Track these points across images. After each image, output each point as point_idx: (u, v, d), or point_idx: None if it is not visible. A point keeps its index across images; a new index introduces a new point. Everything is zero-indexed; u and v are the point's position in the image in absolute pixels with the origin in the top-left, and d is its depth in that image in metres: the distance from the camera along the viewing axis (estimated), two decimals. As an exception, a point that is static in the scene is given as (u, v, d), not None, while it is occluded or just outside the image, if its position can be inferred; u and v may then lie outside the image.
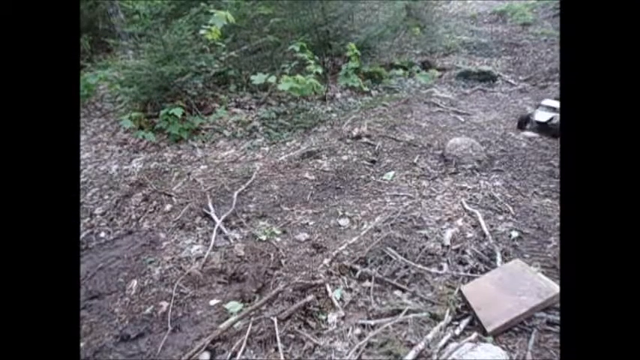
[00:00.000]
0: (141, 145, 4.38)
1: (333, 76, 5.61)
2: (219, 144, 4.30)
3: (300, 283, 2.22)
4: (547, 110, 3.85)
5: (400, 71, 5.82)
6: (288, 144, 4.14)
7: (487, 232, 2.49)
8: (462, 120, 4.33)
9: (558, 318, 1.80)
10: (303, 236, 2.72)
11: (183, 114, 4.41)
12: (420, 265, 2.27)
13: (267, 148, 4.10)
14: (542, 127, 3.79)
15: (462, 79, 5.65)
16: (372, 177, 3.36)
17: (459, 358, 1.65)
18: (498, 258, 2.26)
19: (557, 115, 3.70)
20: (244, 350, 1.89)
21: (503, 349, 1.70)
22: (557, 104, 3.84)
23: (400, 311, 1.96)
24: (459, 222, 2.62)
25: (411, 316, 1.92)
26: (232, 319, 2.06)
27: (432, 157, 3.59)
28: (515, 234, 2.47)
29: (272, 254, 2.54)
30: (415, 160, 3.53)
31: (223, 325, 2.03)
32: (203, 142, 4.35)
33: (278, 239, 2.71)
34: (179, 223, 2.97)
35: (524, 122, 3.96)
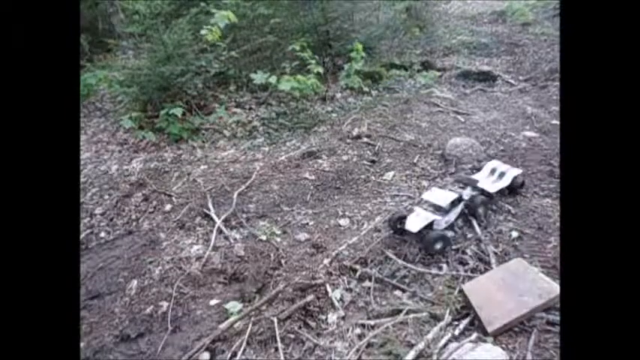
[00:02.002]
0: (141, 145, 4.38)
1: (333, 76, 5.61)
2: (219, 144, 4.30)
3: (300, 283, 2.22)
4: (429, 209, 2.53)
5: (400, 71, 5.82)
6: (288, 144, 4.14)
7: (487, 232, 2.49)
8: (462, 120, 4.33)
9: (558, 318, 1.80)
10: (303, 236, 2.72)
11: (184, 114, 4.41)
12: (420, 266, 2.27)
13: (267, 148, 4.10)
14: (416, 236, 2.43)
15: (462, 79, 5.64)
16: (372, 177, 3.36)
17: (459, 358, 1.65)
18: (498, 258, 2.26)
19: (442, 218, 2.45)
20: (244, 350, 1.89)
21: (503, 349, 1.70)
22: (445, 198, 2.52)
23: (400, 311, 1.96)
24: (459, 222, 2.62)
25: (411, 316, 1.92)
26: (232, 319, 2.06)
27: (432, 157, 3.59)
28: (515, 234, 2.47)
29: (272, 254, 2.54)
30: (415, 160, 3.53)
31: (223, 325, 2.03)
32: (203, 142, 4.35)
33: (278, 239, 2.71)
34: (179, 223, 2.97)
35: (395, 223, 2.54)
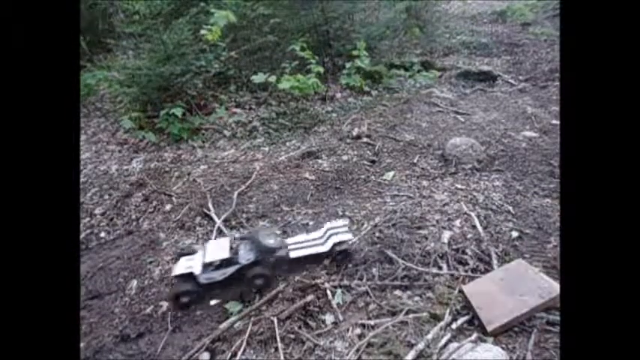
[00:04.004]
0: (141, 145, 4.38)
1: (333, 75, 5.61)
2: (219, 144, 4.30)
3: (300, 283, 2.22)
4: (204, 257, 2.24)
5: (400, 71, 5.82)
6: (288, 144, 4.14)
7: (487, 232, 2.49)
8: (462, 120, 4.33)
9: (558, 318, 1.80)
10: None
11: (184, 114, 4.41)
12: (420, 265, 2.27)
13: (267, 148, 4.10)
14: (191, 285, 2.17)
15: (462, 79, 5.64)
16: (372, 177, 3.36)
17: (458, 358, 1.65)
18: (498, 258, 2.26)
19: (203, 274, 2.17)
20: (244, 350, 1.89)
21: (503, 349, 1.70)
22: (215, 254, 2.23)
23: (400, 311, 1.96)
24: (459, 222, 2.62)
25: (411, 316, 1.92)
26: (232, 319, 2.06)
27: (432, 157, 3.59)
28: (515, 234, 2.47)
29: (272, 254, 2.54)
30: (415, 160, 3.53)
31: (223, 325, 2.03)
32: (203, 142, 4.35)
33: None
34: (179, 223, 2.97)
35: (177, 298, 2.20)
